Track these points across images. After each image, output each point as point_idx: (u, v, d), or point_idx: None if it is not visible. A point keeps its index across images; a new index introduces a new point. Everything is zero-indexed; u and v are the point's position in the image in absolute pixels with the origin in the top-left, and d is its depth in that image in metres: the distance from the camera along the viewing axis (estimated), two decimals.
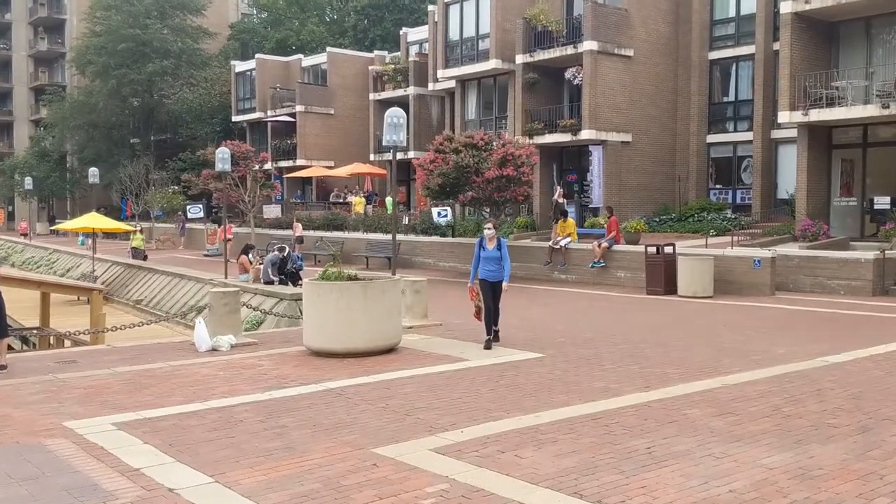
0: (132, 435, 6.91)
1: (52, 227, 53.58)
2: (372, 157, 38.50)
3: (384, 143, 15.79)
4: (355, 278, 11.03)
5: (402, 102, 35.15)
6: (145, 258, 31.76)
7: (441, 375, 9.44)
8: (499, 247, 11.41)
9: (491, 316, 11.32)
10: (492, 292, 11.36)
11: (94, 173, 34.63)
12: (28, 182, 50.36)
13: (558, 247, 22.13)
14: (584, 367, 9.86)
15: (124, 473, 5.88)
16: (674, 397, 8.22)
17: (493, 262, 11.35)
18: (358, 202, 34.49)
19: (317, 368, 9.89)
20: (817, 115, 21.35)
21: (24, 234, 50.35)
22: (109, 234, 40.66)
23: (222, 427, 7.18)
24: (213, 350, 11.29)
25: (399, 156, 34.34)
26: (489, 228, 11.64)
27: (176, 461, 6.19)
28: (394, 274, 13.63)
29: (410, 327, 12.65)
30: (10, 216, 69.55)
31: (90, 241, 32.79)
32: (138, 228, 35.72)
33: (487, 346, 11.08)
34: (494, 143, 22.87)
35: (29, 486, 5.61)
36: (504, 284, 11.41)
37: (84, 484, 5.67)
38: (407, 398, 8.25)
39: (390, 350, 10.92)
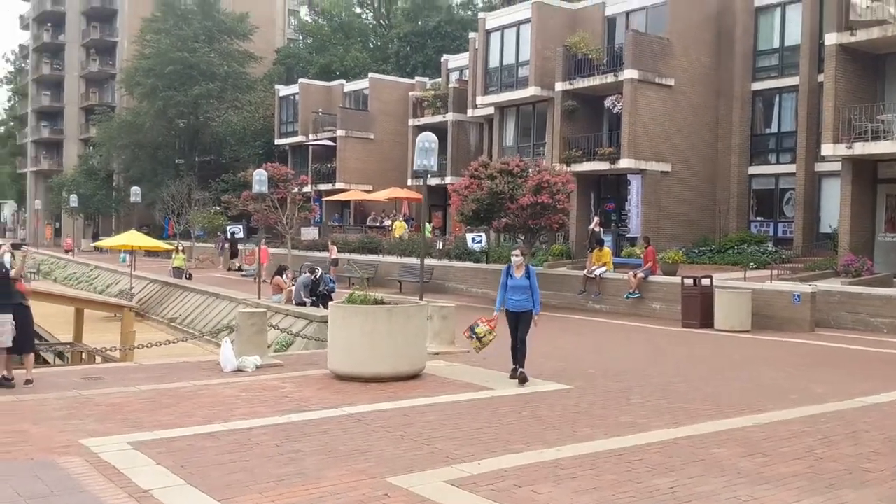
0: (146, 455, 6.85)
1: (93, 244, 54.63)
2: (410, 181, 38.61)
3: (415, 168, 15.75)
4: (381, 302, 10.92)
5: (441, 128, 35.30)
6: (189, 277, 32.09)
7: (463, 404, 9.26)
8: (527, 275, 10.74)
9: (517, 345, 10.77)
10: (516, 323, 10.75)
11: (136, 192, 35.26)
12: (73, 199, 51.43)
13: (593, 276, 21.85)
14: (611, 401, 9.61)
15: (133, 495, 5.81)
16: (702, 435, 7.95)
17: (520, 291, 10.68)
18: (399, 226, 34.52)
19: (338, 392, 9.79)
20: (862, 148, 20.89)
21: (69, 251, 51.35)
22: (151, 253, 41.33)
23: (237, 450, 7.09)
24: (238, 370, 11.27)
25: (436, 181, 34.74)
26: (517, 255, 10.95)
27: (186, 483, 6.11)
28: (421, 299, 13.50)
29: (436, 353, 12.50)
30: (57, 232, 71.15)
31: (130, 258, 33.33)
32: (181, 248, 36.16)
33: (513, 376, 10.76)
34: (530, 170, 22.73)
35: None
36: (534, 317, 10.73)
37: None
38: (426, 426, 8.10)
39: (415, 376, 10.77)
